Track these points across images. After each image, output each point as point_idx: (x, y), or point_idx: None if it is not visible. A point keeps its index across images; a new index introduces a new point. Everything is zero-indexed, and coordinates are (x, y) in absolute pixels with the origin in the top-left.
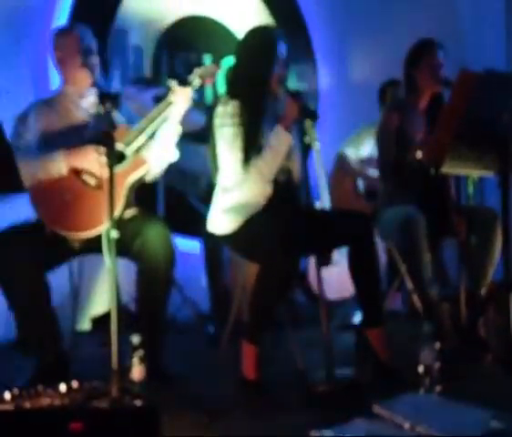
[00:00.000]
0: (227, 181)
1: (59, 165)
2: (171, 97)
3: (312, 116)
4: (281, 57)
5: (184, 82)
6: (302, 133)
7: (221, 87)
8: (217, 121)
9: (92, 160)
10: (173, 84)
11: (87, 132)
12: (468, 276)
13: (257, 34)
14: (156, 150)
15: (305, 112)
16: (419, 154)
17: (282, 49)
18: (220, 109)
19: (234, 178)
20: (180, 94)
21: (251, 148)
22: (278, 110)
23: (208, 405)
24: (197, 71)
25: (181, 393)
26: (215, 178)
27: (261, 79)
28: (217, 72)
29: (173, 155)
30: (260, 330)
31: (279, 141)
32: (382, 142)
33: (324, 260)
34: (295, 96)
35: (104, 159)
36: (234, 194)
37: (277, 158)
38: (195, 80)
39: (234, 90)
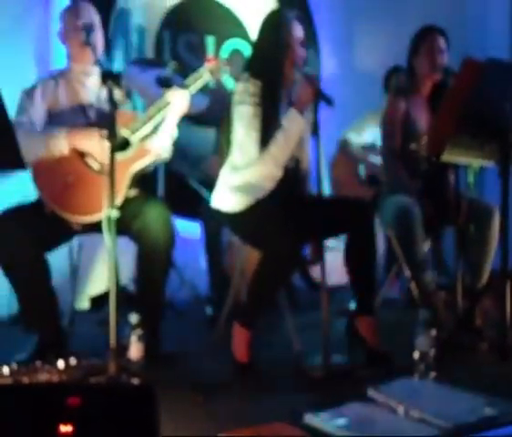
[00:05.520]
0: (239, 159)
1: (60, 142)
2: (169, 97)
3: (328, 101)
4: (293, 41)
5: (182, 86)
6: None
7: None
8: (236, 98)
9: (95, 143)
10: (172, 89)
11: (92, 113)
12: (465, 268)
13: (271, 17)
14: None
15: (320, 96)
16: (425, 139)
17: (296, 32)
18: (240, 86)
19: (246, 158)
20: (178, 96)
21: (267, 131)
22: (294, 94)
23: (204, 386)
24: (207, 66)
25: (178, 373)
26: (224, 154)
27: (274, 63)
28: (227, 67)
29: (167, 154)
30: (255, 316)
31: (291, 124)
32: (387, 129)
33: (317, 254)
34: (310, 79)
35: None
36: (243, 173)
37: (289, 142)
38: (205, 74)
39: (252, 70)
